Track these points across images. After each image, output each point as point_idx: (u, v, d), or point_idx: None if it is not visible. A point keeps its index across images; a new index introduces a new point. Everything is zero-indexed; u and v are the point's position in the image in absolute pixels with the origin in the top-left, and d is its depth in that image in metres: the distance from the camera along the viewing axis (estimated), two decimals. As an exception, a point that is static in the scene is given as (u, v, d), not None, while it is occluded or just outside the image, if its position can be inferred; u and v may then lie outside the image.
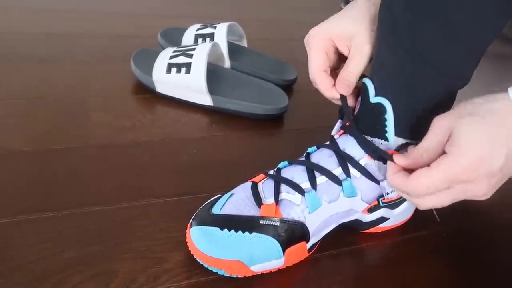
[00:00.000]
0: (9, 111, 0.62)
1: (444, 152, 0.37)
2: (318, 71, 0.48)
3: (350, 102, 0.49)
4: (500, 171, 0.35)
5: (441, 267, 0.51)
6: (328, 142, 0.48)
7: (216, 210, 0.44)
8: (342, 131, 0.48)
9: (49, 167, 0.53)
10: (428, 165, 0.37)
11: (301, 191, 0.44)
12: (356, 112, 0.48)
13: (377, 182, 0.46)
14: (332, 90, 0.48)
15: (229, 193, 0.46)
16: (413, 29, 0.41)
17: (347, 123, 0.47)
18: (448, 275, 0.50)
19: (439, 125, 0.37)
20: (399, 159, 0.40)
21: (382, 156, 0.43)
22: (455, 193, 0.37)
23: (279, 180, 0.46)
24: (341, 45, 0.48)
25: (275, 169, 0.48)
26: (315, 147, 0.49)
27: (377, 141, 0.45)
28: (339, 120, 0.49)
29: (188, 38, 0.80)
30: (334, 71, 0.50)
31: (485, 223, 0.59)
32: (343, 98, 0.47)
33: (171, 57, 0.70)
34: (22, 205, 0.47)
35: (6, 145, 0.55)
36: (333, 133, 0.49)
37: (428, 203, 0.39)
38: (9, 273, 0.40)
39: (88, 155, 0.57)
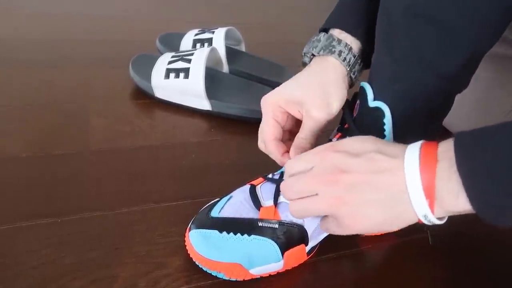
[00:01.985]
0: (8, 116, 0.62)
1: None
2: (269, 139, 0.47)
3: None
4: (357, 171, 0.35)
5: (442, 269, 0.51)
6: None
7: (214, 213, 0.45)
8: (339, 134, 0.48)
9: (48, 172, 0.54)
10: None
11: None
12: (355, 116, 0.48)
13: None
14: (283, 157, 0.47)
15: (227, 196, 0.47)
16: (411, 34, 0.41)
17: (346, 126, 0.48)
18: (449, 277, 0.50)
19: None
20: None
21: None
22: (311, 174, 0.37)
23: (278, 183, 0.46)
24: (292, 110, 0.47)
25: (275, 173, 0.48)
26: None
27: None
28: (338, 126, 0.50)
29: (186, 43, 0.81)
30: (294, 134, 0.48)
31: (486, 225, 0.59)
32: (346, 104, 0.48)
33: (170, 62, 0.71)
34: (22, 211, 0.47)
35: (6, 150, 0.56)
36: (330, 137, 0.50)
37: (287, 182, 0.39)
38: (10, 279, 0.40)
39: (88, 160, 0.57)
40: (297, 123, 0.49)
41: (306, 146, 0.46)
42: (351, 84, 0.50)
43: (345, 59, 0.47)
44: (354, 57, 0.48)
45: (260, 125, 0.49)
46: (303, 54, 0.51)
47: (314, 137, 0.47)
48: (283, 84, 0.49)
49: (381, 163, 0.34)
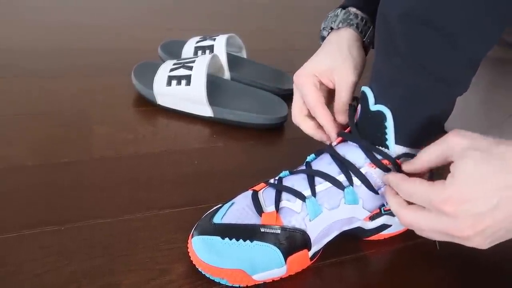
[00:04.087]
0: (11, 124, 0.63)
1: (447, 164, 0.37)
2: (317, 103, 0.52)
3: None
4: (489, 218, 0.34)
5: (447, 273, 0.50)
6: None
7: (217, 219, 0.45)
8: (340, 139, 0.49)
9: (52, 181, 0.54)
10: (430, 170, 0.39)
11: (301, 197, 0.45)
12: (356, 120, 0.48)
13: (376, 192, 0.46)
14: (333, 122, 0.51)
15: (230, 202, 0.47)
16: (408, 39, 0.41)
17: (347, 130, 0.48)
18: (454, 281, 0.50)
19: (453, 141, 0.37)
20: (405, 165, 0.43)
21: (385, 163, 0.44)
22: (433, 219, 0.37)
23: (279, 188, 0.46)
24: (324, 79, 0.53)
25: (276, 178, 0.48)
26: (313, 155, 0.49)
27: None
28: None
29: (187, 50, 0.81)
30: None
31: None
32: (351, 106, 0.50)
33: (171, 70, 0.71)
34: (26, 219, 0.48)
35: (10, 159, 0.56)
36: (332, 142, 0.50)
37: (408, 216, 0.39)
38: (14, 287, 0.41)
39: (91, 168, 0.57)
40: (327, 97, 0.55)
41: (347, 107, 0.51)
42: (367, 51, 0.56)
43: (361, 31, 0.53)
44: (369, 28, 0.54)
45: (295, 99, 0.56)
46: (321, 29, 0.57)
47: (350, 98, 0.52)
48: (311, 59, 0.54)
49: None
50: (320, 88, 0.53)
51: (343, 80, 0.52)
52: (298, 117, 0.56)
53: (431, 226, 0.37)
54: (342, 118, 0.52)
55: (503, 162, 0.34)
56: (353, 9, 0.54)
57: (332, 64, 0.52)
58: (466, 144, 0.36)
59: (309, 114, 0.55)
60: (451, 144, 0.37)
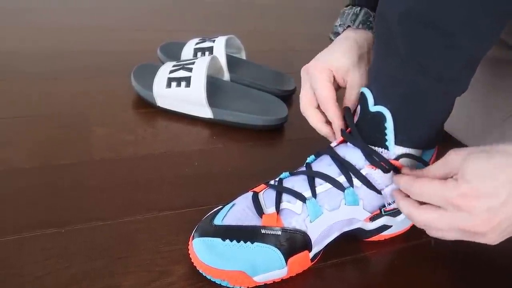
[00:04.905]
0: (11, 127, 0.63)
1: None
2: (331, 102, 0.51)
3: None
4: (502, 212, 0.35)
5: (447, 274, 0.50)
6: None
7: (217, 221, 0.45)
8: (341, 139, 0.48)
9: (52, 182, 0.54)
10: None
11: (302, 198, 0.45)
12: (355, 121, 0.48)
13: (379, 192, 0.46)
14: (342, 120, 0.51)
15: (230, 204, 0.47)
16: (408, 39, 0.41)
17: (348, 130, 0.48)
18: (456, 281, 0.50)
19: (452, 157, 0.38)
20: (405, 170, 0.43)
21: (384, 165, 0.44)
22: (449, 217, 0.37)
23: (280, 190, 0.46)
24: (338, 76, 0.53)
25: (277, 180, 0.48)
26: (313, 156, 0.49)
27: (377, 150, 0.45)
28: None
29: (187, 52, 0.81)
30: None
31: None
32: (347, 109, 0.50)
33: (171, 72, 0.71)
34: (27, 222, 0.48)
35: (9, 162, 0.56)
36: (332, 144, 0.50)
37: (422, 216, 0.39)
38: (14, 289, 0.41)
39: (91, 169, 0.57)
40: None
41: (355, 103, 0.51)
42: None
43: None
44: None
45: (304, 90, 0.54)
46: (337, 25, 0.57)
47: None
48: (326, 52, 0.54)
49: None
50: (333, 84, 0.53)
51: (356, 82, 0.52)
52: (308, 109, 0.55)
53: (447, 224, 0.38)
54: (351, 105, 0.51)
55: (507, 157, 0.35)
56: (372, 12, 0.54)
57: (349, 63, 0.52)
58: (466, 153, 0.37)
59: (318, 106, 0.54)
60: (451, 158, 0.38)
